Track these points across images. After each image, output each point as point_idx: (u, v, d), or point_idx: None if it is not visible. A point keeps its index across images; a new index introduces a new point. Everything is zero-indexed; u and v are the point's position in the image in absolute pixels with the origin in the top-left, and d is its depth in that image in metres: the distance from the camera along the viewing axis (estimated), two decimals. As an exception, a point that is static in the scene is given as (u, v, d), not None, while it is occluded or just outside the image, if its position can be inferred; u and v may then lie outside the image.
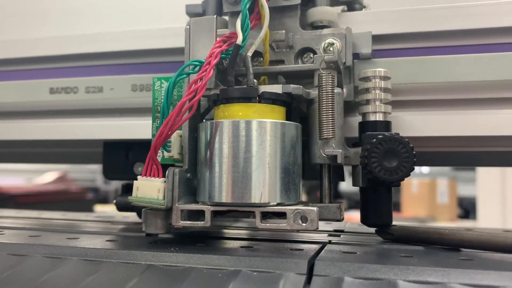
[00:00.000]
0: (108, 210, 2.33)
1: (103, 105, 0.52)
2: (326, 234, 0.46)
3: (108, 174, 0.54)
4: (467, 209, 2.81)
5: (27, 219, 0.60)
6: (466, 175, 2.69)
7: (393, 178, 0.36)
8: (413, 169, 0.36)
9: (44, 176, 2.16)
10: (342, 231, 0.49)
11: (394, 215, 0.41)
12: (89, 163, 0.64)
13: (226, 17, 0.46)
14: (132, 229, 0.50)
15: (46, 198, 1.86)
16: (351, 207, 2.43)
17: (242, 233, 0.47)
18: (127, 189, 0.54)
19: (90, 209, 2.15)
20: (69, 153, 0.63)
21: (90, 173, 2.96)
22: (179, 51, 0.46)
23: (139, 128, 0.50)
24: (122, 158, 0.53)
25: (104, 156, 0.54)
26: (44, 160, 0.70)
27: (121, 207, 0.52)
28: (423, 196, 2.37)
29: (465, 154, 0.50)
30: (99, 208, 2.33)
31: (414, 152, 0.35)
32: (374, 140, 0.36)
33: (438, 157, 0.50)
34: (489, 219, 1.93)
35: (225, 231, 0.48)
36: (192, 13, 0.49)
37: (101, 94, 0.51)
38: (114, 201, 0.53)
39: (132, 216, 0.61)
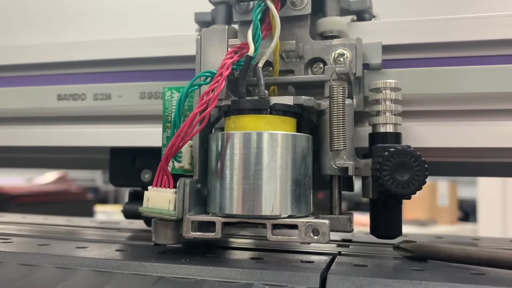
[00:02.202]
0: (108, 210, 2.33)
1: (111, 112, 0.52)
2: (335, 245, 0.46)
3: (115, 181, 0.54)
4: (467, 211, 2.81)
5: (33, 226, 0.60)
6: (467, 177, 2.69)
7: (405, 191, 0.35)
8: (425, 182, 0.36)
9: (44, 176, 2.16)
10: (350, 240, 0.49)
11: None
12: (96, 169, 0.64)
13: (236, 26, 0.46)
14: (140, 237, 0.50)
15: (46, 199, 1.86)
16: (350, 208, 2.44)
17: (250, 242, 0.47)
18: (134, 197, 0.54)
19: (90, 209, 2.15)
20: (76, 159, 0.63)
21: (90, 173, 2.96)
22: (188, 59, 0.47)
23: (147, 136, 0.50)
24: (129, 164, 0.53)
25: (111, 162, 0.54)
26: (51, 166, 0.70)
27: (129, 215, 0.52)
28: (423, 198, 2.37)
29: (469, 165, 0.50)
30: (99, 208, 2.33)
31: (426, 165, 0.35)
32: (386, 153, 0.36)
33: (440, 167, 0.50)
34: (490, 222, 1.93)
35: (233, 240, 0.48)
36: (201, 21, 0.49)
37: (109, 101, 0.51)
38: (122, 208, 0.53)
39: (137, 223, 0.61)
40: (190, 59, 0.45)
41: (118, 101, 0.51)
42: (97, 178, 3.00)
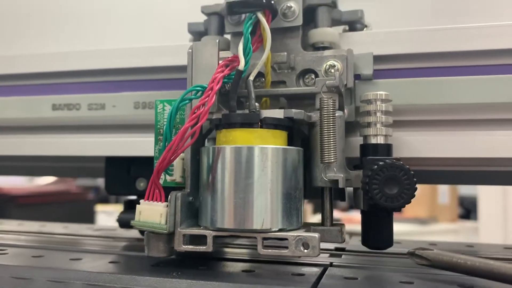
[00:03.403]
0: (109, 209, 2.34)
1: (106, 122, 0.52)
2: (328, 254, 0.46)
3: (111, 189, 0.55)
4: (468, 208, 2.81)
5: (29, 235, 0.60)
6: (467, 175, 2.68)
7: (394, 205, 0.36)
8: (414, 196, 0.36)
9: (45, 176, 2.17)
10: (343, 249, 0.49)
11: (396, 216, 0.41)
12: (92, 177, 0.64)
13: (229, 36, 0.46)
14: (135, 247, 0.50)
15: (47, 199, 1.87)
16: (351, 207, 2.43)
17: (244, 252, 0.47)
18: (129, 206, 0.54)
19: (91, 210, 2.15)
20: (72, 167, 0.63)
21: (91, 172, 2.95)
22: (182, 68, 0.47)
23: (141, 145, 0.50)
24: (124, 173, 0.54)
25: (106, 171, 0.54)
26: (46, 173, 0.71)
27: (123, 224, 0.52)
28: (424, 196, 2.37)
29: (464, 174, 0.50)
30: (100, 208, 2.34)
31: (415, 179, 0.36)
32: (376, 166, 0.36)
33: (438, 175, 0.50)
34: (490, 219, 1.93)
35: (227, 250, 0.48)
36: (194, 31, 0.49)
37: (103, 111, 0.51)
38: (117, 217, 0.53)
39: (134, 230, 0.61)
40: (184, 69, 0.45)
41: (112, 111, 0.51)
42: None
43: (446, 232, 2.23)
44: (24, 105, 0.54)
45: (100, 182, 3.04)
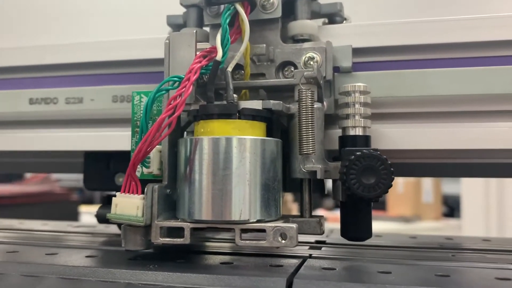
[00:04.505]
0: (93, 210, 2.31)
1: (84, 116, 0.51)
2: (308, 247, 0.46)
3: (89, 185, 0.54)
4: (452, 206, 2.84)
5: (6, 232, 0.59)
6: (451, 174, 2.71)
7: (371, 195, 0.36)
8: (391, 185, 0.36)
9: (23, 172, 2.13)
10: (324, 242, 0.49)
11: (380, 214, 0.41)
12: (70, 172, 0.64)
13: (207, 29, 0.46)
14: (113, 242, 0.49)
15: (29, 200, 1.84)
16: (337, 205, 2.44)
17: (225, 246, 0.47)
18: (108, 201, 0.53)
19: (75, 211, 2.13)
20: (49, 163, 0.62)
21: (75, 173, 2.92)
22: (160, 61, 0.46)
23: (120, 139, 0.49)
24: (103, 168, 0.53)
25: (85, 166, 0.53)
26: (24, 170, 0.69)
27: (102, 220, 0.51)
28: (408, 195, 2.39)
29: (447, 166, 0.50)
30: (85, 209, 2.31)
31: (392, 169, 0.36)
32: (353, 156, 0.36)
33: (420, 168, 0.50)
34: (473, 217, 1.95)
35: (208, 243, 0.48)
36: (173, 24, 0.48)
37: (81, 105, 0.50)
38: (95, 212, 0.52)
39: (113, 227, 0.60)
40: (162, 62, 0.44)
41: (90, 105, 0.50)
42: (82, 178, 2.97)
43: (430, 230, 2.25)
44: (0, 99, 0.53)
45: (85, 183, 3.01)
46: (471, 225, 1.94)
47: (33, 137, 0.52)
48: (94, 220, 0.53)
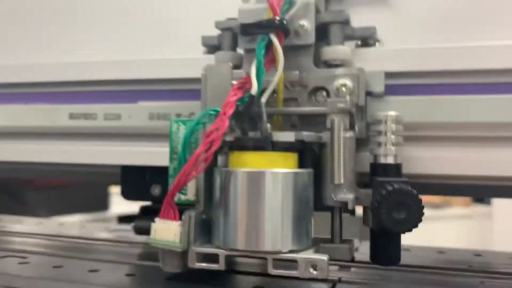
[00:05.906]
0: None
1: (121, 131, 0.53)
2: (337, 268, 0.47)
3: (127, 196, 0.56)
4: (481, 193, 2.80)
5: (47, 238, 0.62)
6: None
7: (401, 229, 0.37)
8: (421, 220, 0.37)
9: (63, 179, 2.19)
10: (352, 259, 0.50)
11: None
12: (108, 183, 0.66)
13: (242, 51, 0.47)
14: (149, 255, 0.52)
15: (62, 182, 1.89)
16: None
17: (255, 263, 0.48)
18: (145, 212, 0.56)
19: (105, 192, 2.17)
20: (87, 172, 0.65)
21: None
22: (194, 80, 0.48)
23: (156, 155, 0.51)
24: (139, 179, 0.55)
25: (122, 178, 0.56)
26: (62, 177, 0.72)
27: (139, 231, 0.54)
28: (437, 181, 2.37)
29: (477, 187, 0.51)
30: (115, 190, 2.37)
31: (422, 205, 0.36)
32: (384, 192, 0.37)
33: (450, 188, 0.51)
34: (504, 204, 1.92)
35: (239, 260, 0.49)
36: (208, 45, 0.49)
37: (119, 121, 0.52)
38: (133, 224, 0.55)
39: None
40: (196, 80, 0.45)
41: (127, 122, 0.52)
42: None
43: (459, 217, 2.23)
44: (42, 113, 0.55)
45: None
46: (502, 212, 1.92)
47: (73, 150, 0.55)
48: (124, 208, 0.54)
